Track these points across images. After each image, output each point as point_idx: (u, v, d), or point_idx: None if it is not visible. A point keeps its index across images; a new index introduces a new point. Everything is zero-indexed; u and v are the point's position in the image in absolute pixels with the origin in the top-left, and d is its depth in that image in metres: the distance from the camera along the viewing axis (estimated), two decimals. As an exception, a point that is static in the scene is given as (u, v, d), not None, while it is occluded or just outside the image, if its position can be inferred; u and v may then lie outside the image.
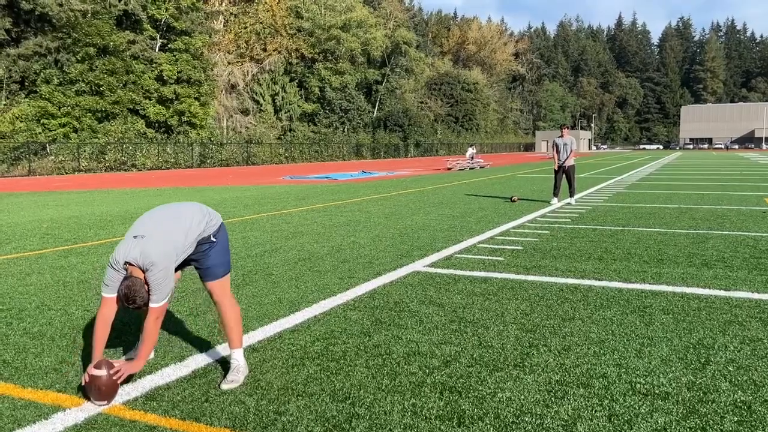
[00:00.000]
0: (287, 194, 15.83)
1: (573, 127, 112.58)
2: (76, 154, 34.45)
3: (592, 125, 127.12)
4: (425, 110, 76.71)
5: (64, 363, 3.51)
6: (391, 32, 71.91)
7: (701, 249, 6.87)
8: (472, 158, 32.76)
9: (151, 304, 2.97)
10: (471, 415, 2.78)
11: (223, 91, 53.99)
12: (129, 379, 3.20)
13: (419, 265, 6.14)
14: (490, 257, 6.53)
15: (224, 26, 57.83)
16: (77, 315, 4.51)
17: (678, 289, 5.03)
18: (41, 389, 3.13)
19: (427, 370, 3.31)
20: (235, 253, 6.98)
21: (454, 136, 79.83)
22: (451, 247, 7.19)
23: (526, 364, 3.39)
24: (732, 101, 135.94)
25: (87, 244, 7.95)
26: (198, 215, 3.20)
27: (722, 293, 4.90)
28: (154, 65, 41.41)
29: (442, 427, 2.67)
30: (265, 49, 58.66)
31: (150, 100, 40.98)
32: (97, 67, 37.01)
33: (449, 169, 30.98)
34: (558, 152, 12.64)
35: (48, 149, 34.26)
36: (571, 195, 12.69)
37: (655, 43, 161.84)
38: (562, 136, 12.70)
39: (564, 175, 12.61)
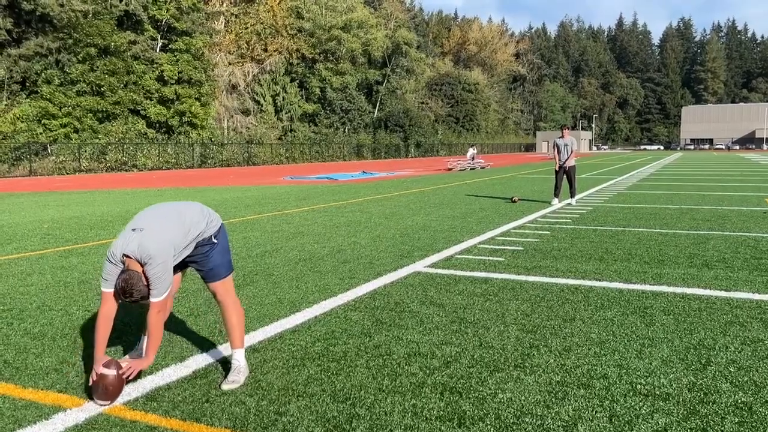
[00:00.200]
0: (288, 195, 15.84)
1: (574, 128, 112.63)
2: (77, 154, 34.46)
3: (593, 126, 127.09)
4: (426, 111, 76.69)
5: (64, 363, 3.52)
6: (392, 33, 71.90)
7: (702, 250, 6.88)
8: (473, 159, 32.75)
9: (151, 299, 2.97)
10: (471, 415, 2.78)
11: (224, 92, 53.98)
12: (135, 377, 3.21)
13: (420, 266, 6.14)
14: (490, 258, 6.53)
15: (225, 27, 57.82)
16: (78, 315, 4.52)
17: (679, 290, 5.03)
18: (42, 389, 3.13)
19: (428, 371, 3.31)
20: (235, 253, 6.99)
21: (454, 136, 79.81)
22: (451, 248, 7.19)
23: (526, 364, 3.39)
24: (733, 102, 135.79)
25: (88, 244, 7.95)
26: (198, 215, 3.21)
27: (723, 294, 4.90)
28: (155, 66, 41.42)
29: (442, 427, 2.67)
30: (265, 50, 58.66)
31: (151, 100, 40.99)
32: (98, 67, 37.03)
33: (450, 169, 30.96)
34: (559, 153, 12.66)
35: (49, 149, 34.28)
36: (572, 195, 12.69)
37: (656, 44, 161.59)
38: (562, 136, 12.71)
39: (565, 176, 12.61)
